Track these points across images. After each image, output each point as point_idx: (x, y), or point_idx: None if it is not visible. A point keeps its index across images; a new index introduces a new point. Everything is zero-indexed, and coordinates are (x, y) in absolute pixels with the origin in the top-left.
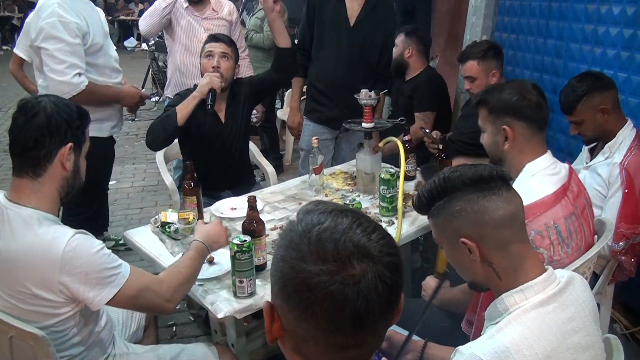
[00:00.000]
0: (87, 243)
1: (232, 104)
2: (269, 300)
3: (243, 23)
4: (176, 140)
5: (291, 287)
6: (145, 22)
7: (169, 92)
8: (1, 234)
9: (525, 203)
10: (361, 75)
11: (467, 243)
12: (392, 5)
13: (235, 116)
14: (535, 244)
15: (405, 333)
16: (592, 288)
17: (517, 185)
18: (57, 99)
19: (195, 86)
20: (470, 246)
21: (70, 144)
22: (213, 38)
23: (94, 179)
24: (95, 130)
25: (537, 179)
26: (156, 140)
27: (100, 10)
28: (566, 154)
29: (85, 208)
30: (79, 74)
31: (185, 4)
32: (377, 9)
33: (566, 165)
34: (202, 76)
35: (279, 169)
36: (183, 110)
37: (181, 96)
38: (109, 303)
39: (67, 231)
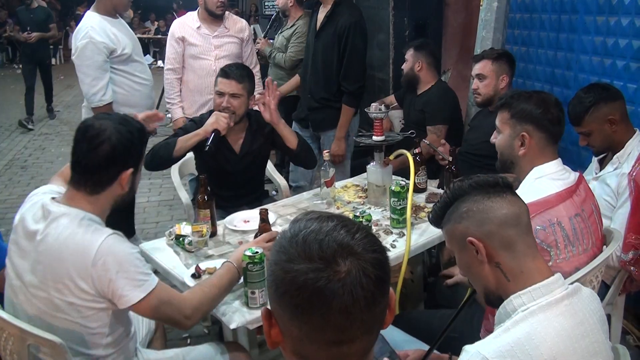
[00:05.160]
0: (122, 244)
1: (251, 139)
2: (267, 306)
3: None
4: (192, 156)
5: (282, 288)
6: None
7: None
8: (49, 230)
9: (528, 201)
10: (322, 81)
11: (474, 242)
12: (351, 11)
13: (252, 150)
14: (539, 238)
15: (419, 343)
16: (602, 298)
17: (523, 186)
18: (120, 124)
19: (209, 113)
20: (477, 246)
21: (131, 169)
22: (224, 74)
23: None
24: None
25: (542, 181)
26: (151, 163)
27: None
28: (577, 165)
29: None
30: (104, 93)
31: (197, 24)
32: (334, 14)
33: (577, 173)
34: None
35: None
36: (183, 144)
37: (195, 122)
38: (133, 307)
39: (105, 231)
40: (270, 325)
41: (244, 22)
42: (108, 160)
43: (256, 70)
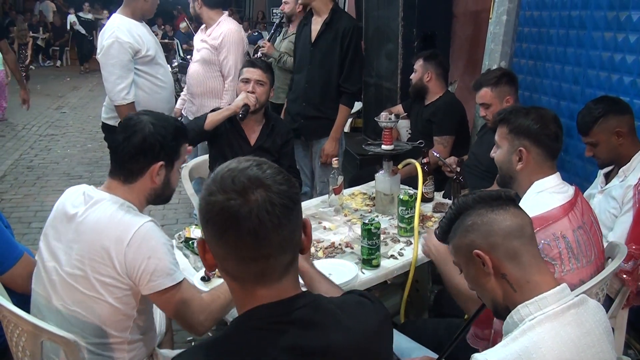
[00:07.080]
0: (158, 232)
1: (266, 137)
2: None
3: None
4: (207, 158)
5: (207, 216)
6: None
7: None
8: (90, 212)
9: (532, 215)
10: (320, 88)
11: (480, 255)
12: (348, 17)
13: (264, 147)
14: (544, 253)
15: (425, 350)
16: (606, 311)
17: (524, 201)
18: (157, 118)
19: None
20: (483, 258)
21: (161, 163)
22: (250, 64)
23: None
24: None
25: (544, 195)
26: None
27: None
28: (583, 179)
29: None
30: (127, 92)
31: (203, 25)
32: (332, 22)
33: (574, 187)
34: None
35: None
36: (214, 117)
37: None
38: (157, 294)
39: (145, 217)
40: (204, 250)
41: (226, 29)
42: (137, 150)
43: (228, 81)
